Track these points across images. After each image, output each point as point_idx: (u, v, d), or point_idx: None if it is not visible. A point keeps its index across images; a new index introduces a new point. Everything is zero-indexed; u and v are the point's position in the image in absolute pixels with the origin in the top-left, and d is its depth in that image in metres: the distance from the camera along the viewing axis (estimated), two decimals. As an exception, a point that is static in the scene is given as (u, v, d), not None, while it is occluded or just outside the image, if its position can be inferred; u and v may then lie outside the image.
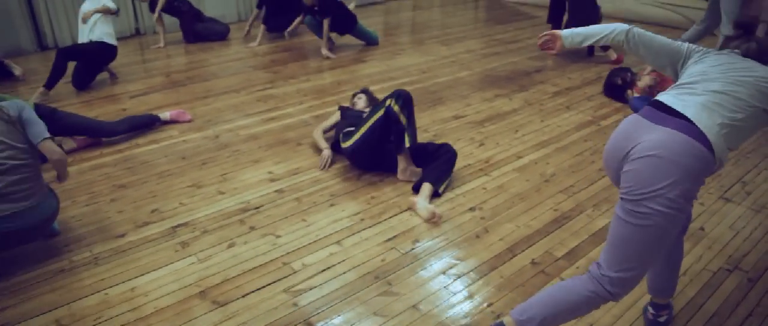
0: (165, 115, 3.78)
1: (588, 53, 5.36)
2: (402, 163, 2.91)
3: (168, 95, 4.39)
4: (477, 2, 8.74)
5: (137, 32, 6.50)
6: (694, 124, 1.47)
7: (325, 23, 5.26)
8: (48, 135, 2.28)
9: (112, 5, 4.47)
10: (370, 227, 2.56)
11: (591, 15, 4.93)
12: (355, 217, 2.63)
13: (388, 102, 2.78)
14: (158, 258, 2.37)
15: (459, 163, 3.13)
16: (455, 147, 3.32)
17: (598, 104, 4.09)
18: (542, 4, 7.86)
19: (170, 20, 6.05)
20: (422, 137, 3.47)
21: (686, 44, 1.78)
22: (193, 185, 2.97)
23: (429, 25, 6.88)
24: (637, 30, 1.78)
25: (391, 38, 6.19)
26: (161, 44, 5.79)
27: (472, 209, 2.68)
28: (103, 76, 4.83)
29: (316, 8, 5.27)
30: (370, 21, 7.11)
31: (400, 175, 2.94)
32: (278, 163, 3.19)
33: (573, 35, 1.89)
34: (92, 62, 4.51)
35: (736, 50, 1.69)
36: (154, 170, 3.15)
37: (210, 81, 4.72)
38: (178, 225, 2.60)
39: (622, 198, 1.52)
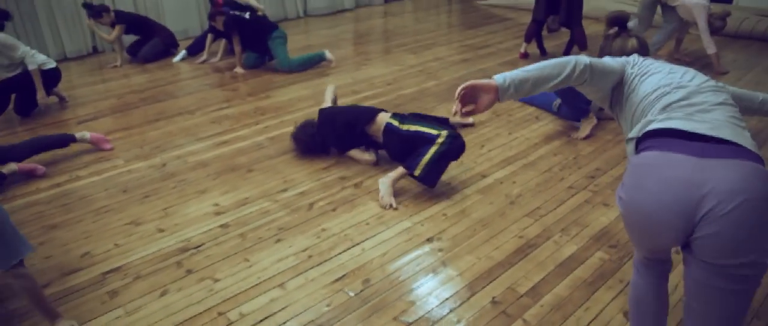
0: (85, 135, 3.51)
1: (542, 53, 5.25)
2: (396, 174, 2.78)
3: (118, 119, 4.14)
4: (450, 6, 8.57)
5: (95, 50, 6.24)
6: (741, 146, 1.25)
7: (235, 42, 5.08)
8: None
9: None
10: (318, 265, 2.34)
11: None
12: (302, 254, 2.41)
13: (443, 133, 2.75)
14: (82, 312, 2.13)
15: (418, 187, 2.92)
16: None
17: (569, 112, 3.90)
18: (515, 5, 7.70)
19: (128, 38, 5.79)
20: (381, 157, 3.26)
21: (620, 59, 1.60)
22: (131, 222, 2.74)
23: (398, 33, 6.68)
24: (594, 59, 1.51)
25: (358, 47, 5.98)
26: (118, 63, 5.54)
27: (429, 240, 2.48)
28: (52, 100, 4.57)
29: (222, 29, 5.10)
30: (338, 29, 6.91)
31: (382, 180, 2.82)
32: (226, 194, 2.96)
33: (515, 82, 1.39)
34: (29, 90, 4.21)
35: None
36: (91, 206, 2.91)
37: (164, 102, 4.48)
38: (110, 271, 2.37)
39: (715, 265, 1.23)
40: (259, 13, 5.34)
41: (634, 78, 1.54)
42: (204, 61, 5.53)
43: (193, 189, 3.02)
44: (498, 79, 1.42)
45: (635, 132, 1.46)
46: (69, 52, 5.97)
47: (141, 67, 5.54)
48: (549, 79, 1.44)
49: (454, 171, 3.09)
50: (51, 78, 4.28)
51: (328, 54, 5.18)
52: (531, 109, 3.98)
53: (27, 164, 3.26)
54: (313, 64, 5.17)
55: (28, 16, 5.65)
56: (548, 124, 3.72)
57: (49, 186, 3.15)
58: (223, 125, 3.92)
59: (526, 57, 5.27)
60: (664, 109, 1.41)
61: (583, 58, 1.48)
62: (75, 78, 5.31)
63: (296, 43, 6.31)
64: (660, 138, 1.34)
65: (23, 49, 4.09)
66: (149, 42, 5.63)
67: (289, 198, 2.88)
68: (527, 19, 6.98)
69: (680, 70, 1.55)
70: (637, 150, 1.43)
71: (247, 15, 5.03)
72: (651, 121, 1.42)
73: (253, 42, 5.10)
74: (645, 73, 1.53)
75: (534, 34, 5.17)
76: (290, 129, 3.76)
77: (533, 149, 3.34)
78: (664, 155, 1.29)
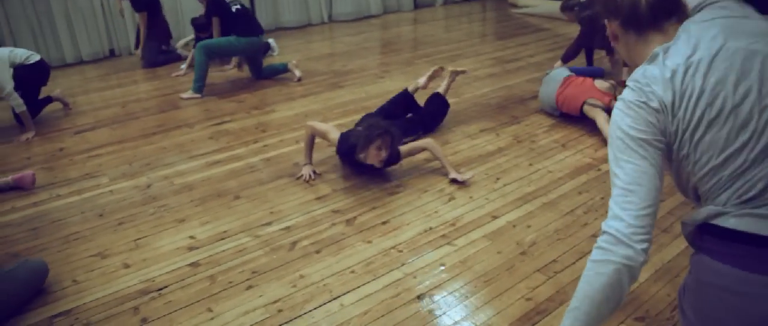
0: (6, 179, 3.08)
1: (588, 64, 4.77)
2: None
3: (115, 131, 3.93)
4: (484, 13, 8.16)
5: (111, 54, 6.11)
6: None
7: (215, 25, 4.67)
8: None
9: None
10: (287, 322, 2.02)
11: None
12: (271, 307, 2.09)
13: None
14: (15, 366, 1.87)
15: (418, 227, 2.57)
16: (419, 201, 2.79)
17: (600, 140, 3.47)
18: (553, 14, 7.22)
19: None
20: (380, 186, 2.92)
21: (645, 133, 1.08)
22: (98, 253, 2.48)
23: (423, 42, 6.33)
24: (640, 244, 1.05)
25: (379, 57, 5.65)
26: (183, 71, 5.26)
27: (420, 297, 2.12)
28: (56, 106, 4.42)
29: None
30: (362, 37, 6.61)
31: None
32: (205, 224, 2.68)
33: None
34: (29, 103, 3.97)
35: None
36: (61, 232, 2.67)
37: (166, 112, 4.26)
38: (58, 315, 2.11)
39: None
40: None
41: (683, 146, 1.05)
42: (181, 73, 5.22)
43: (172, 217, 2.75)
44: None
45: (702, 216, 1.05)
46: (85, 54, 5.86)
47: (152, 72, 5.37)
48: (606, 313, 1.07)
49: (461, 208, 2.72)
50: (38, 72, 4.02)
51: (295, 71, 4.86)
52: (557, 136, 3.56)
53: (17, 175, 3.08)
54: (278, 73, 4.96)
55: (46, 16, 5.56)
56: (576, 153, 3.30)
57: (26, 205, 2.94)
58: (220, 142, 3.65)
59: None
60: (741, 199, 0.99)
61: (621, 251, 1.02)
62: (85, 82, 5.17)
63: (318, 50, 6.05)
64: (736, 244, 0.98)
65: (7, 90, 3.69)
66: (147, 44, 5.41)
67: (272, 235, 2.57)
68: (565, 30, 6.55)
69: (729, 83, 1.01)
70: (701, 238, 1.07)
71: (235, 8, 4.63)
72: (723, 214, 1.01)
73: (247, 22, 4.66)
74: (696, 126, 1.02)
75: (574, 56, 4.66)
76: (289, 149, 3.47)
77: (555, 185, 2.93)
78: (748, 280, 0.95)
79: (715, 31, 1.05)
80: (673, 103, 1.02)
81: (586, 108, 3.55)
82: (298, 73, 4.85)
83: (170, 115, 4.20)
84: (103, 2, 5.84)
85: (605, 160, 3.19)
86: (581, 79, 3.77)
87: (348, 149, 2.92)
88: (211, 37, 4.77)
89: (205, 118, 4.10)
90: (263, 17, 6.92)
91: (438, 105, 3.67)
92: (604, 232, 1.06)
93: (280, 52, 5.98)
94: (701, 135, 1.01)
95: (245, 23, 4.56)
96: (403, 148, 2.99)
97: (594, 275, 1.05)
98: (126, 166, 3.35)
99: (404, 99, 3.60)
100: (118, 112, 4.32)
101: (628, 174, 1.04)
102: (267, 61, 5.57)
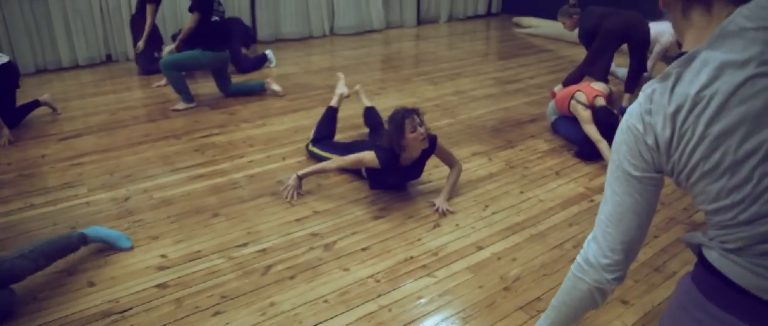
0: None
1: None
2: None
3: (101, 139, 3.85)
4: (488, 31, 8.10)
5: (108, 59, 6.06)
6: None
7: (193, 19, 4.31)
8: None
9: None
10: (251, 355, 1.91)
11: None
12: (236, 338, 1.99)
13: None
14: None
15: (399, 255, 2.47)
16: (403, 227, 2.69)
17: (596, 169, 3.37)
18: (558, 36, 7.15)
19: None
20: (365, 209, 2.82)
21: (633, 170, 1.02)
22: (64, 270, 2.38)
23: (423, 59, 6.25)
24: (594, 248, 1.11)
25: (376, 74, 5.57)
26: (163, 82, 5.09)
27: (393, 333, 2.01)
28: (46, 110, 4.34)
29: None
30: (362, 51, 6.54)
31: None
32: (178, 243, 2.58)
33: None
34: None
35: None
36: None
37: (156, 122, 4.18)
38: (13, 336, 2.00)
39: None
40: None
41: (680, 182, 0.97)
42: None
43: (146, 234, 2.65)
44: None
45: (695, 241, 1.02)
46: (82, 59, 5.81)
47: (147, 79, 5.30)
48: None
49: (446, 236, 2.61)
50: (5, 75, 3.90)
51: (274, 87, 4.72)
52: (552, 162, 3.46)
53: None
54: (252, 92, 4.77)
55: (44, 19, 5.52)
56: (570, 182, 3.19)
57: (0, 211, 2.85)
58: (206, 155, 3.56)
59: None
60: (724, 246, 0.94)
61: (590, 274, 1.11)
62: (79, 87, 5.11)
63: (317, 64, 5.98)
64: (711, 277, 0.96)
65: None
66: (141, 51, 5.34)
67: (246, 257, 2.47)
68: (568, 52, 6.46)
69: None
70: (701, 264, 1.00)
71: (214, 19, 4.40)
72: (707, 247, 0.98)
73: (216, 36, 4.41)
74: (690, 173, 0.92)
75: (576, 82, 4.55)
76: (274, 166, 3.38)
77: (545, 215, 2.82)
78: (709, 311, 0.95)
79: (753, 52, 0.82)
80: (669, 144, 0.91)
81: (572, 103, 3.57)
82: (276, 88, 4.73)
83: (159, 124, 4.12)
84: (102, 6, 5.79)
85: (599, 191, 3.08)
86: (584, 83, 3.81)
87: (388, 156, 2.78)
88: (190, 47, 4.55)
89: (194, 129, 4.02)
90: (264, 28, 6.87)
91: (375, 116, 3.72)
92: (584, 249, 1.12)
93: (279, 63, 5.91)
94: (694, 181, 0.92)
95: (214, 36, 4.38)
96: (441, 143, 2.91)
97: (571, 287, 1.15)
98: (107, 177, 3.26)
99: (372, 115, 3.72)
100: (106, 119, 4.24)
101: (614, 206, 1.04)
102: (260, 74, 5.50)
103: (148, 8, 5.11)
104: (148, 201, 2.97)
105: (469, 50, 6.72)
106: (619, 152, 1.01)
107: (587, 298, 1.13)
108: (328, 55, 6.45)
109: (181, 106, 4.43)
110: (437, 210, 2.81)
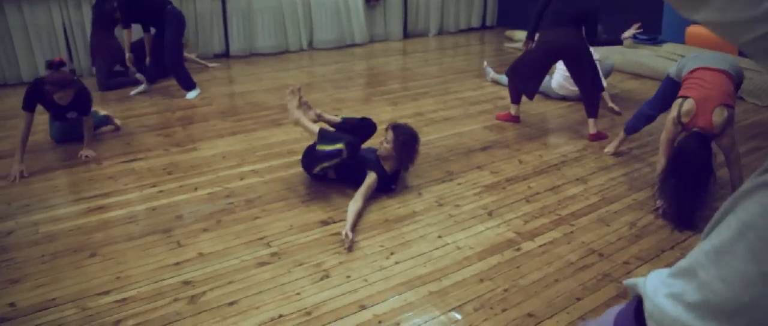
0: None
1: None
2: None
3: (38, 158, 3.68)
4: (482, 46, 7.77)
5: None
6: None
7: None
8: None
9: None
10: None
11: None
12: None
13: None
14: None
15: (267, 313, 2.17)
16: (287, 276, 2.40)
17: (537, 209, 3.02)
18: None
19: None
20: (255, 255, 2.53)
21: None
22: None
23: (394, 76, 5.96)
24: None
25: (338, 92, 5.29)
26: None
27: None
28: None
29: None
30: (332, 67, 6.28)
31: None
32: (37, 288, 2.33)
33: None
34: None
35: None
36: None
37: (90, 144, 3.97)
38: None
39: None
40: None
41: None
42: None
43: (7, 276, 2.42)
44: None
45: None
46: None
47: (103, 96, 5.13)
48: None
49: (330, 291, 2.31)
50: None
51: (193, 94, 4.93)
52: (489, 200, 3.12)
53: None
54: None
55: (6, 32, 5.42)
56: (501, 225, 2.85)
57: None
58: (118, 183, 3.33)
59: (516, 121, 4.39)
60: None
61: None
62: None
63: (281, 80, 5.74)
64: None
65: None
66: (96, 65, 5.21)
67: (101, 308, 2.20)
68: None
69: None
70: None
71: None
72: None
73: (147, 12, 4.76)
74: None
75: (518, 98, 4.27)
76: (182, 197, 3.13)
77: (456, 267, 2.49)
78: None
79: None
80: None
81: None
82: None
83: (92, 147, 3.91)
84: (64, 20, 5.67)
85: (531, 237, 2.73)
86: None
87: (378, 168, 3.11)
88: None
89: (121, 153, 3.80)
90: (236, 43, 6.67)
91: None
92: None
93: (241, 80, 5.69)
94: None
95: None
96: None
97: None
98: (4, 206, 3.05)
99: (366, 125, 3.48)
100: (37, 140, 4.06)
101: None
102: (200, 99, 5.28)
103: (126, 34, 4.96)
104: (31, 237, 2.74)
105: (448, 66, 6.40)
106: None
107: None
108: (297, 71, 6.21)
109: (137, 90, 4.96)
110: (343, 238, 2.60)
